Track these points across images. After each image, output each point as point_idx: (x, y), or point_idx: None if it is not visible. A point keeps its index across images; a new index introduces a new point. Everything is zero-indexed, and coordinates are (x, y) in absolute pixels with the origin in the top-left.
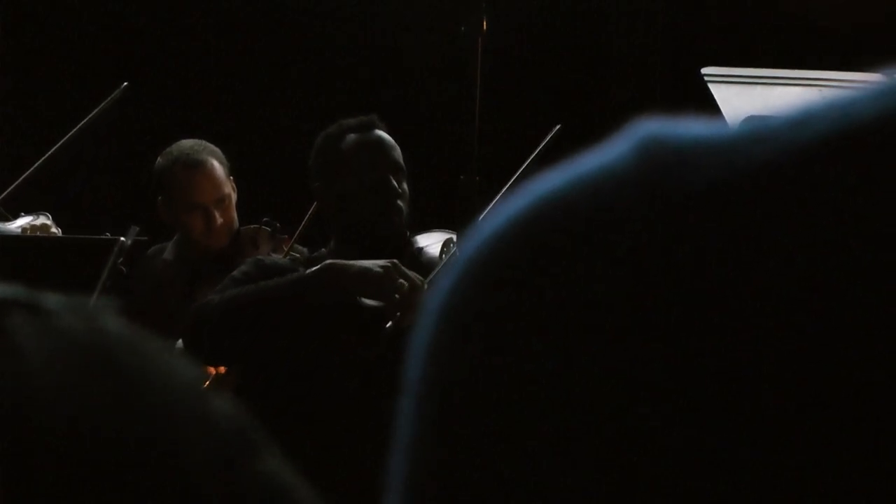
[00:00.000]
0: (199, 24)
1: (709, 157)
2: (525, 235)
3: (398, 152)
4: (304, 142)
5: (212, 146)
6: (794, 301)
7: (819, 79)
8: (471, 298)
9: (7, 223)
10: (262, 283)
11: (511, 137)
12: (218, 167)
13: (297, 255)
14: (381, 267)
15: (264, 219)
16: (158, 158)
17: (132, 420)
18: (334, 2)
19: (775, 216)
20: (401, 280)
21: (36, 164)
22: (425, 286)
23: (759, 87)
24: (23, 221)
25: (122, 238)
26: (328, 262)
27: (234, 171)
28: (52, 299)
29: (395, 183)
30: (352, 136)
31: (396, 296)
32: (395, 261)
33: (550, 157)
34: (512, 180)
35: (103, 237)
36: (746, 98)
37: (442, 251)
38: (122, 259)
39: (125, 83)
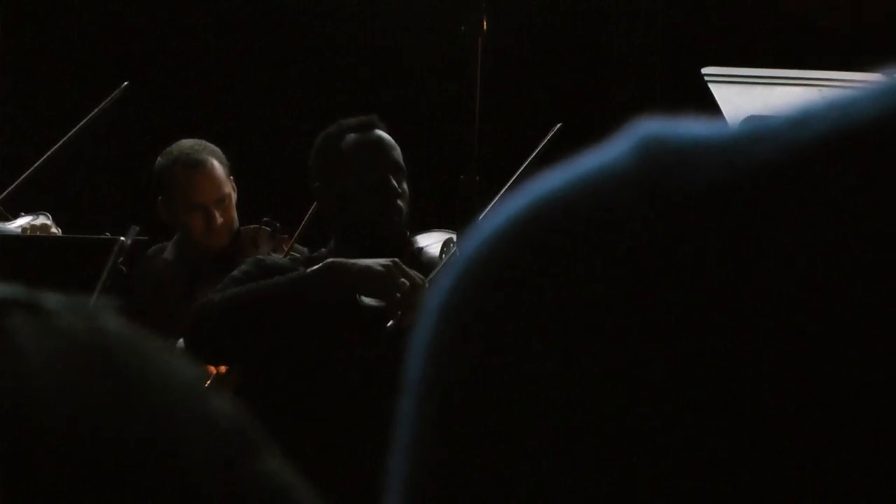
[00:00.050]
0: (199, 24)
1: (709, 157)
2: (525, 235)
3: (398, 152)
4: (304, 142)
5: (212, 146)
6: (794, 301)
7: (819, 79)
8: (471, 298)
9: (7, 223)
10: (262, 281)
11: (511, 137)
12: (218, 167)
13: (297, 255)
14: (383, 265)
15: (264, 219)
16: (158, 158)
17: (132, 420)
18: (334, 2)
19: (775, 216)
20: (402, 279)
21: (36, 164)
22: (426, 285)
23: (759, 87)
24: (23, 221)
25: (122, 238)
26: (330, 260)
27: (234, 171)
28: (52, 299)
29: (395, 183)
30: (352, 136)
31: (398, 294)
32: (396, 259)
33: (550, 157)
34: (512, 180)
35: (103, 237)
36: (746, 98)
37: (442, 251)
38: (122, 259)
39: (125, 83)
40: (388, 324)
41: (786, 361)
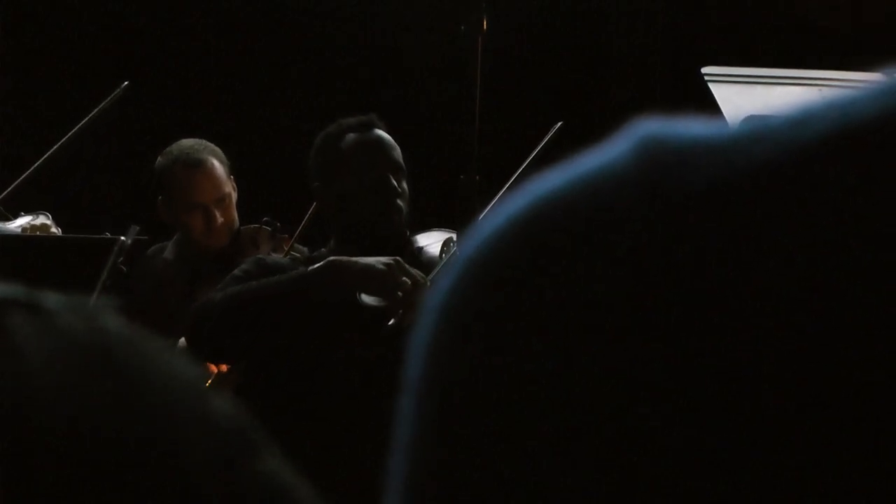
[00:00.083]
0: (199, 24)
1: (709, 157)
2: (525, 235)
3: (398, 152)
4: (304, 142)
5: (212, 146)
6: (794, 301)
7: (819, 79)
8: (471, 298)
9: (7, 223)
10: (263, 280)
11: (511, 137)
12: (218, 166)
13: (298, 255)
14: (385, 264)
15: (264, 219)
16: (158, 158)
17: (132, 420)
18: (334, 2)
19: (775, 216)
20: (404, 277)
21: (36, 164)
22: (427, 284)
23: (759, 87)
24: (23, 221)
25: (123, 238)
26: (331, 258)
27: (234, 170)
28: (52, 299)
29: (394, 182)
30: (351, 136)
31: (399, 293)
32: (398, 258)
33: (550, 157)
34: (512, 180)
35: (103, 237)
36: (746, 98)
37: (442, 251)
38: (122, 259)
39: (125, 83)
40: (389, 322)
41: (786, 361)
